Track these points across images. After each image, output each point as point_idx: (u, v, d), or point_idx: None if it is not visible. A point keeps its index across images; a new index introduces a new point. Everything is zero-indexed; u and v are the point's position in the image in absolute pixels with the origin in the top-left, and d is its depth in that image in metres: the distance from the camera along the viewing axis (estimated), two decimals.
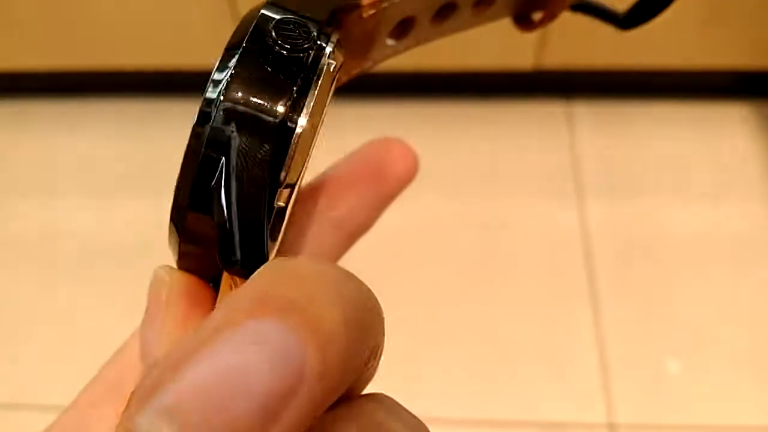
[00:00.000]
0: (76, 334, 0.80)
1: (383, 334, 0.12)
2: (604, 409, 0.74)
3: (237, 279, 0.14)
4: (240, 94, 0.13)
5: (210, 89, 0.13)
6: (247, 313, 0.09)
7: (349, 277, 0.11)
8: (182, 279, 0.14)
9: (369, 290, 0.11)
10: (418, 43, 0.19)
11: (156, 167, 0.93)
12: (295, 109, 0.13)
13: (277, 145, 0.13)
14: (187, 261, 0.14)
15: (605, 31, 0.24)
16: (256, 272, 0.11)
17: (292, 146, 0.13)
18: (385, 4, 0.16)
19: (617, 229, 0.86)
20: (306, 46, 0.13)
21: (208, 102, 0.13)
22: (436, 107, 0.97)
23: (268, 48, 0.13)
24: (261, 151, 0.13)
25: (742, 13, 0.85)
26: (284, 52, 0.13)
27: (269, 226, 0.13)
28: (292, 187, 0.14)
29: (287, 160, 0.13)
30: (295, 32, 0.13)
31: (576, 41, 0.86)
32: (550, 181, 0.91)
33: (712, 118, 0.95)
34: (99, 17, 0.86)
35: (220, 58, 0.13)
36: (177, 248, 0.14)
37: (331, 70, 0.14)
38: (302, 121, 0.13)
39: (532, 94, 0.98)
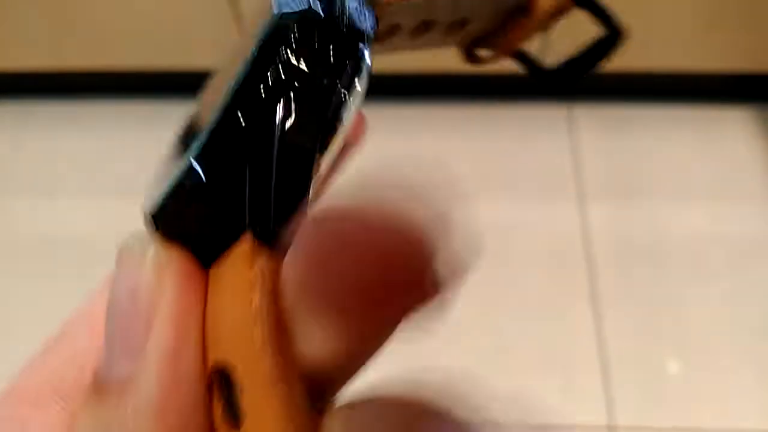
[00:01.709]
0: None
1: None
2: (604, 410, 0.74)
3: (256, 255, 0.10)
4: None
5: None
6: None
7: None
8: (179, 257, 0.11)
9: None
10: (394, 50, 0.18)
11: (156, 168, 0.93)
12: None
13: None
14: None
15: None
16: None
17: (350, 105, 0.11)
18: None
19: (618, 231, 0.86)
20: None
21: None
22: (438, 109, 0.96)
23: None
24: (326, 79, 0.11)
25: (741, 17, 0.85)
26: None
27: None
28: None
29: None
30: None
31: (577, 44, 0.86)
32: (552, 184, 0.91)
33: (712, 121, 0.95)
34: (99, 17, 0.86)
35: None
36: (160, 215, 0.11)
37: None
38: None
39: (533, 98, 0.98)
